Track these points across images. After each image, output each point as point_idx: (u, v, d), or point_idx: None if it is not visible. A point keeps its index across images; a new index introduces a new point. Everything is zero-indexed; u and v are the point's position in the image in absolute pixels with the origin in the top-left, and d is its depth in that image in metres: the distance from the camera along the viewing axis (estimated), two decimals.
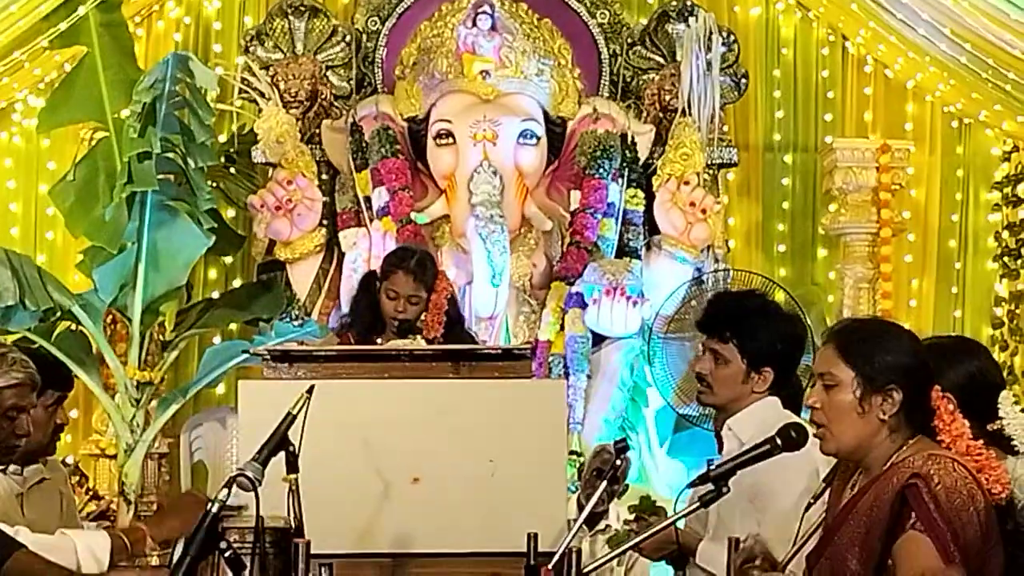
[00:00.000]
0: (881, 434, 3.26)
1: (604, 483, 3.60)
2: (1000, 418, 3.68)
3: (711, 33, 8.45)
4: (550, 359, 8.06)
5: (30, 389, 3.85)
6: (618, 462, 3.70)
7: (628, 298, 7.93)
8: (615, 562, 5.44)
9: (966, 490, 3.12)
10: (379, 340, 5.58)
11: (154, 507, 7.75)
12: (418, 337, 5.56)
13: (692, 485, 3.46)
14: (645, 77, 8.86)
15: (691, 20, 8.55)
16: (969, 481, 3.13)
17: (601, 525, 6.29)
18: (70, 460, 8.17)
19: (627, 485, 5.35)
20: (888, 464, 3.23)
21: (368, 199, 8.37)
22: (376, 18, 8.88)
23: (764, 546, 3.50)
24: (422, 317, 5.73)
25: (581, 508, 5.91)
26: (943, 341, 3.85)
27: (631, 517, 4.17)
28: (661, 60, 8.86)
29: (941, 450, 3.20)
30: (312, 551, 3.22)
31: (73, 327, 7.70)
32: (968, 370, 3.66)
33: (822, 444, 3.33)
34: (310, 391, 3.35)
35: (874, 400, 3.25)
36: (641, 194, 8.51)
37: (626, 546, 3.69)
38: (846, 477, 3.39)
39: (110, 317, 8.06)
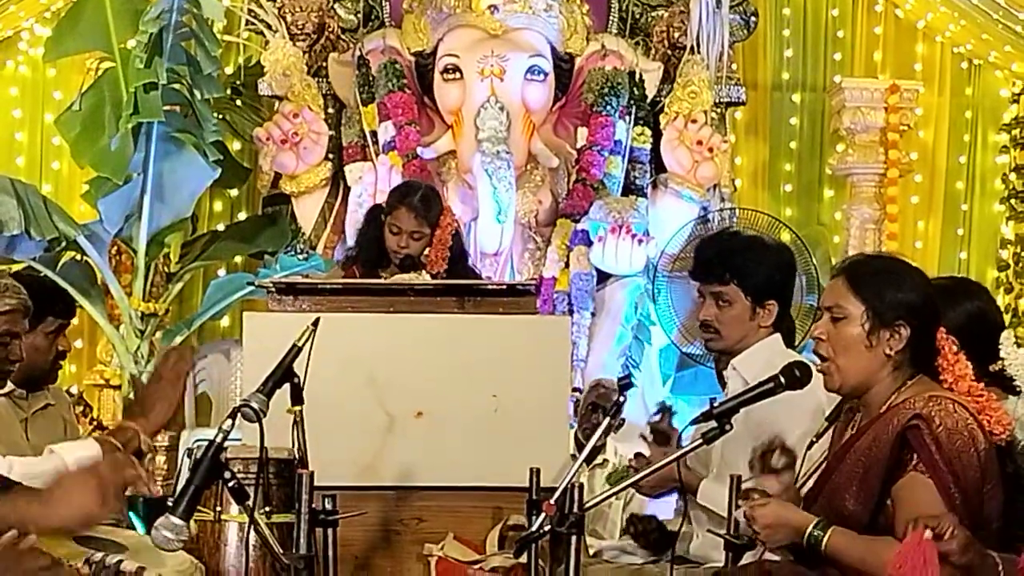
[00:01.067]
0: (884, 370, 3.26)
1: (607, 419, 3.59)
2: (1001, 358, 3.67)
3: None
4: (555, 296, 8.06)
5: (22, 315, 3.85)
6: (622, 399, 3.69)
7: (633, 236, 7.92)
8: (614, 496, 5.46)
9: (967, 431, 3.11)
10: (383, 274, 5.58)
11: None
12: (423, 272, 5.54)
13: (695, 422, 3.46)
14: (654, 14, 8.81)
15: None
16: (970, 422, 3.13)
17: (599, 460, 6.33)
18: (74, 390, 8.20)
19: (623, 420, 5.37)
20: (887, 404, 3.23)
21: (374, 133, 8.34)
22: None
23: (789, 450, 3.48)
24: (426, 252, 5.72)
25: (579, 442, 5.96)
26: (944, 282, 3.84)
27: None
28: None
29: (942, 391, 3.20)
30: (316, 483, 3.23)
31: (78, 257, 7.72)
32: (968, 310, 3.65)
33: (826, 380, 3.33)
34: (315, 324, 3.34)
35: (882, 335, 3.24)
36: (648, 132, 8.49)
37: (626, 483, 3.70)
38: (849, 417, 3.40)
39: (115, 248, 8.07)
